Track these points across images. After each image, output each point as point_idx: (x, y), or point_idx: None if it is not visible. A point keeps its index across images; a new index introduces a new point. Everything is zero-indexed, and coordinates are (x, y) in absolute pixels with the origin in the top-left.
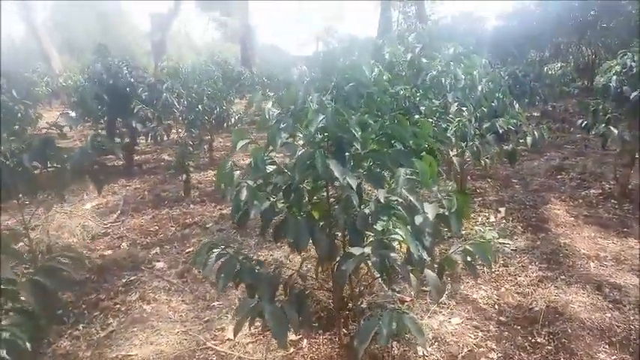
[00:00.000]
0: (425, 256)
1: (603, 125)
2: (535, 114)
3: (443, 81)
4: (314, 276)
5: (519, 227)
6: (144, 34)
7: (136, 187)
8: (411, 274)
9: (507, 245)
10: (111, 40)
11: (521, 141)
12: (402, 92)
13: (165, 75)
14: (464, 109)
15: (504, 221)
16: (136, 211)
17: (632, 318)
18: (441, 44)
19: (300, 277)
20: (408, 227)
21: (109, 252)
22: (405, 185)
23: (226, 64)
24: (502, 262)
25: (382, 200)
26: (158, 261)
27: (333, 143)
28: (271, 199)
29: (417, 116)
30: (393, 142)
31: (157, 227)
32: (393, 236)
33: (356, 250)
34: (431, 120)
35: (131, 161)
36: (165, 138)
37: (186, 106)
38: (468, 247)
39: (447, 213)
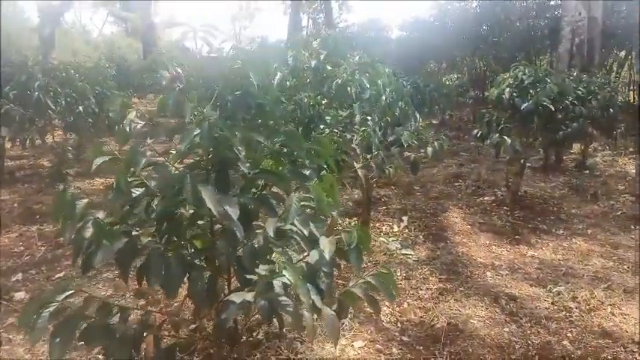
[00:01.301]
0: (318, 303)
1: (497, 135)
2: (434, 122)
3: (349, 90)
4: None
5: (421, 236)
6: (32, 27)
7: (2, 199)
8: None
9: (410, 256)
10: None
11: (422, 151)
12: (305, 100)
13: (50, 71)
14: (369, 118)
15: (407, 230)
16: None
17: (528, 332)
18: (346, 52)
19: (173, 325)
20: (301, 265)
21: None
22: (299, 214)
23: (124, 61)
24: (404, 274)
25: (271, 233)
26: (19, 290)
27: (215, 163)
28: (135, 231)
29: (322, 126)
30: (291, 159)
31: (22, 247)
32: (280, 279)
33: (237, 297)
34: (336, 130)
35: None
36: (38, 142)
37: (63, 106)
38: (370, 279)
39: (346, 248)
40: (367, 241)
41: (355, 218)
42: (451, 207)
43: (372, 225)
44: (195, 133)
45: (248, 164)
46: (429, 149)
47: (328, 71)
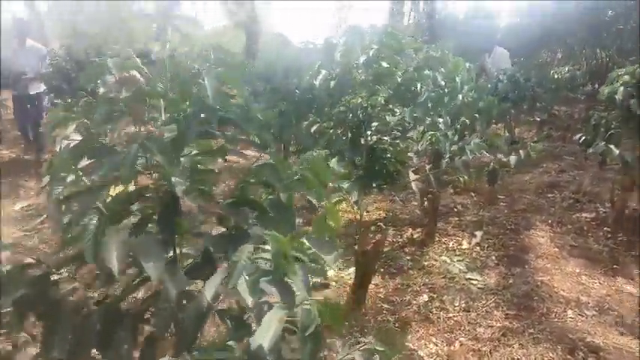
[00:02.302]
0: None
1: (603, 143)
2: (537, 119)
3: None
4: None
5: (493, 257)
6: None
7: None
8: None
9: (475, 282)
10: (117, 24)
11: (504, 160)
12: (356, 102)
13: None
14: (440, 121)
15: (478, 248)
16: None
17: None
18: (402, 45)
19: None
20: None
21: None
22: (252, 273)
23: (225, 52)
24: (464, 304)
25: (209, 297)
26: None
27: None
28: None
29: (368, 132)
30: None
31: None
32: None
33: None
34: (386, 138)
35: None
36: None
37: None
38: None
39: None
40: (338, 320)
41: (419, 230)
42: (538, 223)
43: (437, 239)
44: (115, 160)
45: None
46: (512, 158)
47: (383, 69)
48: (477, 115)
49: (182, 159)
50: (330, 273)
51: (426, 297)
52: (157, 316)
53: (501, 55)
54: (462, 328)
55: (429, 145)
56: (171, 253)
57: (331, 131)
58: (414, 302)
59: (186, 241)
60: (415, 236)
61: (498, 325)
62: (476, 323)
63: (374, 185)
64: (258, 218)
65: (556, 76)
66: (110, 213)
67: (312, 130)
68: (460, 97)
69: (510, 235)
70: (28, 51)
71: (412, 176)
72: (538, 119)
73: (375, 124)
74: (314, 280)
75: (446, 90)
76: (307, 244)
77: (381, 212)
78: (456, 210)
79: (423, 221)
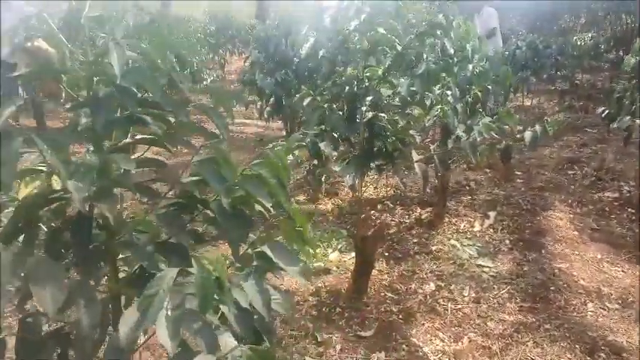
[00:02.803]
0: None
1: (629, 117)
2: (558, 88)
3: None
4: None
5: (507, 241)
6: None
7: None
8: None
9: (487, 269)
10: None
11: (518, 136)
12: (349, 72)
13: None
14: (448, 93)
15: (491, 230)
16: None
17: None
18: (401, 8)
19: None
20: None
21: None
22: (177, 307)
23: (228, 20)
24: (474, 294)
25: (123, 339)
26: None
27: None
28: None
29: (363, 108)
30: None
31: None
32: None
33: None
34: (383, 115)
35: None
36: None
37: None
38: None
39: None
40: None
41: (428, 209)
42: (557, 203)
43: (446, 220)
44: None
45: None
46: (528, 134)
47: (379, 36)
48: (489, 87)
49: (89, 156)
50: (333, 256)
51: (432, 286)
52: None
53: (490, 15)
54: (471, 321)
55: (437, 121)
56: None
57: (325, 106)
58: (420, 291)
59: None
60: (424, 217)
61: (511, 319)
62: (486, 317)
63: (372, 166)
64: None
65: (579, 43)
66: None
67: (305, 104)
68: (470, 67)
69: (526, 216)
70: None
71: (415, 156)
72: (559, 89)
73: (369, 98)
74: (316, 264)
75: (455, 59)
76: (269, 253)
77: (389, 189)
78: (468, 188)
79: (433, 200)
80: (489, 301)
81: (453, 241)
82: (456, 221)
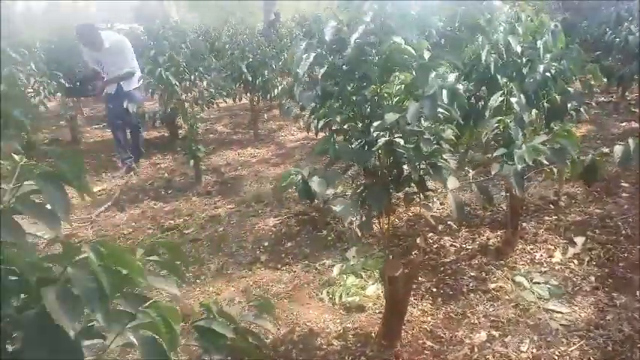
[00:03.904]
0: None
1: None
2: None
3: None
4: None
5: (593, 278)
6: None
7: None
8: None
9: (558, 316)
10: None
11: (605, 151)
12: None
13: None
14: (513, 101)
15: (575, 262)
16: None
17: None
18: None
19: None
20: None
21: None
22: None
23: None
24: (534, 349)
25: None
26: None
27: None
28: None
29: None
30: None
31: None
32: None
33: None
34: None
35: None
36: None
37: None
38: None
39: None
40: None
41: (499, 233)
42: None
43: (519, 247)
44: None
45: None
46: (617, 148)
47: (397, 46)
48: (570, 90)
49: None
50: (371, 290)
51: (484, 335)
52: None
53: None
54: None
55: (497, 136)
56: None
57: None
58: (468, 341)
59: None
60: (491, 242)
61: None
62: None
63: (399, 195)
64: None
65: None
66: None
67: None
68: (541, 67)
69: (624, 244)
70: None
71: (452, 183)
72: None
73: (376, 123)
74: (349, 298)
75: (524, 59)
76: None
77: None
78: (556, 204)
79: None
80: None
81: (519, 277)
82: (532, 249)
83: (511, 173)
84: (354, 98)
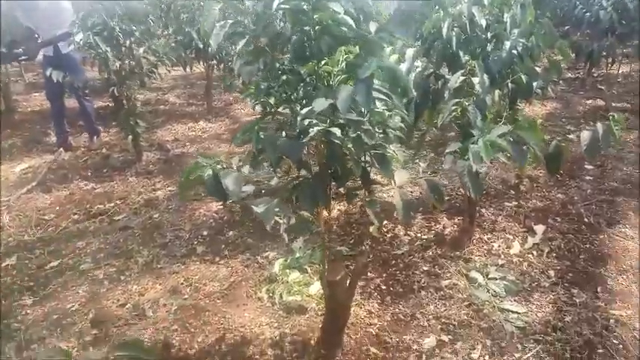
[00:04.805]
0: None
1: None
2: None
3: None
4: None
5: (552, 272)
6: None
7: None
8: None
9: (514, 317)
10: None
11: (570, 137)
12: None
13: None
14: (475, 80)
15: (534, 254)
16: None
17: None
18: None
19: None
20: None
21: None
22: None
23: None
24: (487, 357)
25: None
26: None
27: None
28: None
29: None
30: None
31: None
32: None
33: None
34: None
35: None
36: None
37: None
38: None
39: None
40: None
41: (457, 220)
42: (632, 215)
43: (476, 237)
44: None
45: None
46: (585, 134)
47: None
48: (537, 69)
49: None
50: (315, 288)
51: (433, 340)
52: None
53: None
54: None
55: (457, 119)
56: None
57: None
58: (415, 347)
59: None
60: (447, 230)
61: None
62: None
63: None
64: None
65: None
66: None
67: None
68: (507, 44)
69: (586, 233)
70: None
71: (399, 178)
72: None
73: (304, 110)
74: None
75: (489, 34)
76: None
77: (415, 190)
78: (517, 189)
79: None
80: None
81: (474, 273)
82: (490, 238)
83: (465, 171)
84: (285, 77)
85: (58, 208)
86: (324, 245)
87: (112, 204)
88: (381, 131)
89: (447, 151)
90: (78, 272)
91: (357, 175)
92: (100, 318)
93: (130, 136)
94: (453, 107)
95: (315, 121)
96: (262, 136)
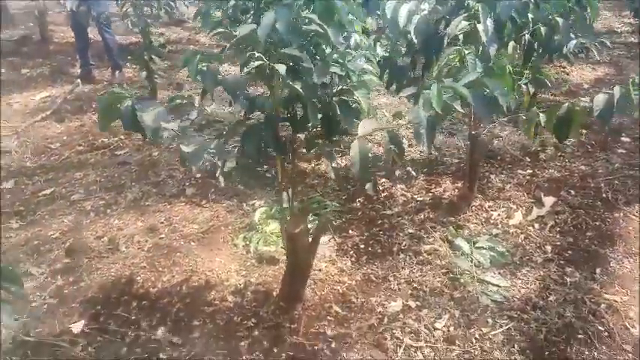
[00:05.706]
0: None
1: None
2: None
3: None
4: None
5: (549, 247)
6: None
7: None
8: None
9: (493, 289)
10: None
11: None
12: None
13: None
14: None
15: (536, 226)
16: None
17: None
18: None
19: None
20: None
21: None
22: None
23: None
24: (452, 328)
25: None
26: None
27: None
28: None
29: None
30: None
31: None
32: None
33: None
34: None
35: None
36: None
37: None
38: None
39: None
40: None
41: (460, 184)
42: None
43: (477, 204)
44: None
45: None
46: (599, 97)
47: None
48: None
49: None
50: None
51: (400, 304)
52: None
53: None
54: None
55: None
56: None
57: None
58: (379, 310)
59: None
60: (447, 194)
61: None
62: None
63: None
64: None
65: None
66: None
67: None
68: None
69: (600, 209)
70: None
71: (362, 128)
72: None
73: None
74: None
75: None
76: None
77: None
78: (537, 157)
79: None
80: (469, 345)
81: (459, 240)
82: (491, 206)
83: (422, 121)
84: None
85: (65, 137)
86: (283, 197)
87: (117, 138)
88: (344, 74)
89: (400, 95)
90: (68, 202)
91: (313, 122)
92: (74, 248)
93: (145, 72)
94: (451, 56)
95: (257, 54)
96: (203, 68)
